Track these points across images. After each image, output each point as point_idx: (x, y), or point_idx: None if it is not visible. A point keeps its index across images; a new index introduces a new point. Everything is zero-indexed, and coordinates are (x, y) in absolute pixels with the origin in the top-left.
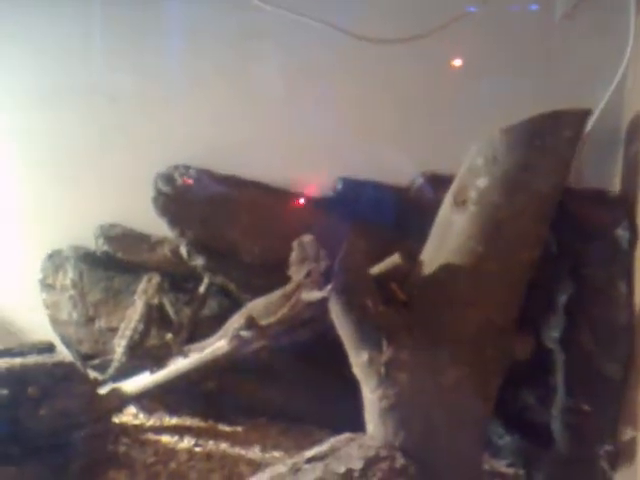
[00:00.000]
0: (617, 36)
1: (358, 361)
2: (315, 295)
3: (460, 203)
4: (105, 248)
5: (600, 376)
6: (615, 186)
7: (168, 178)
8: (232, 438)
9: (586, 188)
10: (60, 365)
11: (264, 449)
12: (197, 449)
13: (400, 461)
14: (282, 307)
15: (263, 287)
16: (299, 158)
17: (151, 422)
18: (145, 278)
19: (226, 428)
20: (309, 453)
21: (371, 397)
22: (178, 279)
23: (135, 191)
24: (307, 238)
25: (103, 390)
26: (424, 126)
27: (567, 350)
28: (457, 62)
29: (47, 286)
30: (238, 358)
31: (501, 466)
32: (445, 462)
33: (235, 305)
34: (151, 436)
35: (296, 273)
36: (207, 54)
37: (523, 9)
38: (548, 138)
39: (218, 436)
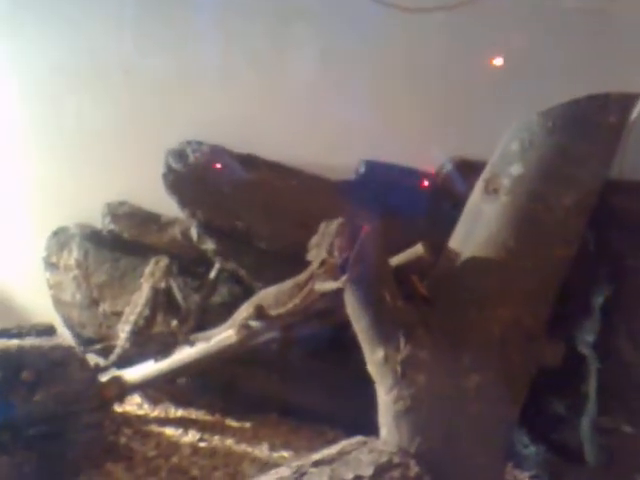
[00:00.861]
0: None
1: (373, 358)
2: (329, 286)
3: (491, 192)
4: (111, 227)
5: None
6: None
7: (179, 154)
8: (239, 434)
9: (630, 180)
10: (57, 349)
11: (272, 448)
12: (201, 444)
13: (414, 469)
14: (294, 297)
15: (276, 275)
16: (321, 139)
17: (155, 413)
18: (153, 260)
19: (233, 423)
20: (316, 456)
21: (385, 398)
22: (188, 263)
23: (148, 168)
24: (338, 221)
25: (104, 377)
26: (455, 107)
27: (602, 357)
28: (491, 37)
29: (51, 265)
30: (246, 350)
31: (524, 478)
32: (463, 472)
33: (247, 293)
34: (154, 428)
35: (316, 258)
36: (230, 31)
37: None
38: (591, 123)
39: (224, 431)
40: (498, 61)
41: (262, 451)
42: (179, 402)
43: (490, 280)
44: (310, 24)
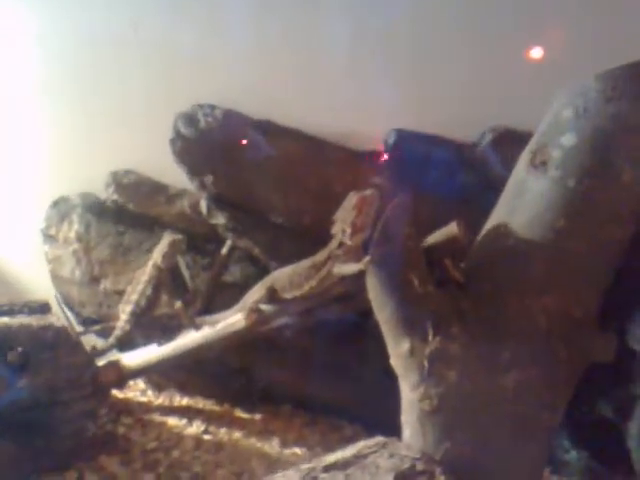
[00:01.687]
0: None
1: (397, 351)
2: (350, 268)
3: (538, 165)
4: (115, 198)
5: None
6: None
7: (190, 118)
8: (248, 427)
9: None
10: (48, 329)
11: (284, 443)
12: (206, 437)
13: (440, 479)
14: (310, 280)
15: (294, 254)
16: (347, 105)
17: (159, 400)
18: (165, 239)
19: (243, 414)
20: (329, 458)
21: (410, 396)
22: (197, 239)
23: (157, 134)
24: (369, 192)
25: (101, 361)
26: (496, 70)
27: None
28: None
29: (49, 237)
30: (256, 336)
31: None
32: None
33: (261, 273)
34: (156, 417)
35: (337, 234)
36: None
37: None
38: None
39: (232, 423)
40: (550, 18)
41: (272, 447)
42: (185, 389)
43: (535, 265)
44: None
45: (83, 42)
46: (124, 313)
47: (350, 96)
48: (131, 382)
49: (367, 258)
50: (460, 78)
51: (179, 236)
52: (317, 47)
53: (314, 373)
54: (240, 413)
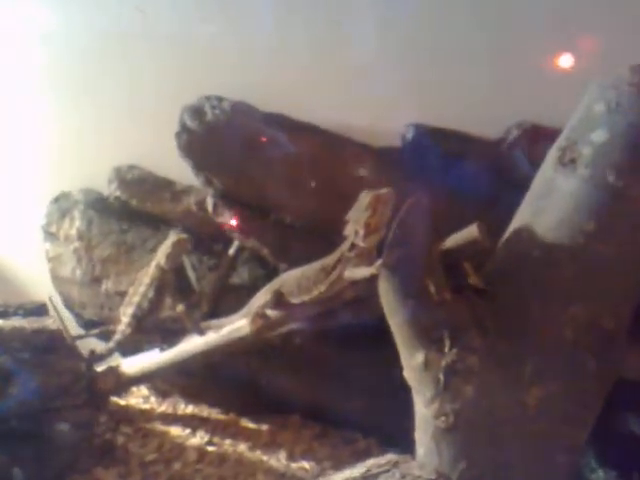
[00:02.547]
0: None
1: (411, 363)
2: (361, 272)
3: (567, 163)
4: (118, 194)
5: None
6: None
7: (196, 111)
8: (255, 438)
9: None
10: (42, 333)
11: (291, 456)
12: (209, 448)
13: None
14: (319, 284)
15: (305, 255)
16: (363, 99)
17: (162, 408)
18: (171, 238)
19: (250, 424)
20: (336, 477)
21: (424, 412)
22: (204, 238)
23: (163, 127)
24: (384, 191)
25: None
26: (522, 62)
27: None
28: None
29: (50, 235)
30: (262, 342)
31: None
32: None
33: (270, 275)
34: (158, 426)
35: (350, 235)
36: None
37: None
38: None
39: (238, 434)
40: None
41: (279, 460)
42: (190, 397)
43: (562, 271)
44: None
45: (87, 34)
46: (125, 316)
47: (367, 90)
48: (134, 388)
49: (379, 261)
50: (483, 72)
51: (184, 235)
52: (334, 39)
53: (326, 381)
54: (247, 423)
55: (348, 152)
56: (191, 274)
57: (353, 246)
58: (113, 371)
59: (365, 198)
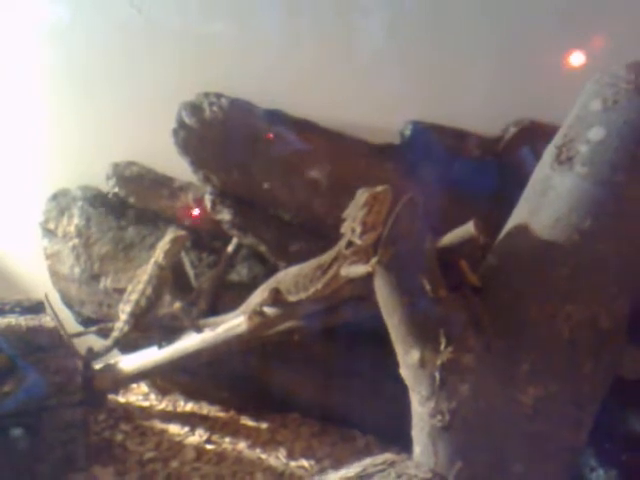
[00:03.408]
0: None
1: (407, 361)
2: (357, 270)
3: (564, 160)
4: (116, 190)
5: None
6: None
7: (195, 108)
8: (254, 436)
9: None
10: (37, 331)
11: (290, 455)
12: (208, 446)
13: None
14: (315, 282)
15: (303, 252)
16: (362, 96)
17: (162, 406)
18: (169, 235)
19: (249, 422)
20: (332, 477)
21: (420, 410)
22: (203, 235)
23: (161, 124)
24: (381, 188)
25: (97, 365)
26: (520, 59)
27: None
28: None
29: (48, 232)
30: (259, 340)
31: None
32: None
33: (269, 272)
34: (157, 424)
35: (346, 233)
36: None
37: None
38: None
39: (237, 432)
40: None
41: (278, 458)
42: (190, 394)
43: (558, 269)
44: None
45: (85, 31)
46: (123, 313)
47: (366, 87)
48: (134, 385)
49: (374, 259)
50: (483, 68)
51: (182, 232)
52: (333, 37)
53: (325, 379)
54: (246, 421)
55: (347, 149)
56: (190, 271)
57: (350, 244)
58: (110, 369)
59: (362, 196)
